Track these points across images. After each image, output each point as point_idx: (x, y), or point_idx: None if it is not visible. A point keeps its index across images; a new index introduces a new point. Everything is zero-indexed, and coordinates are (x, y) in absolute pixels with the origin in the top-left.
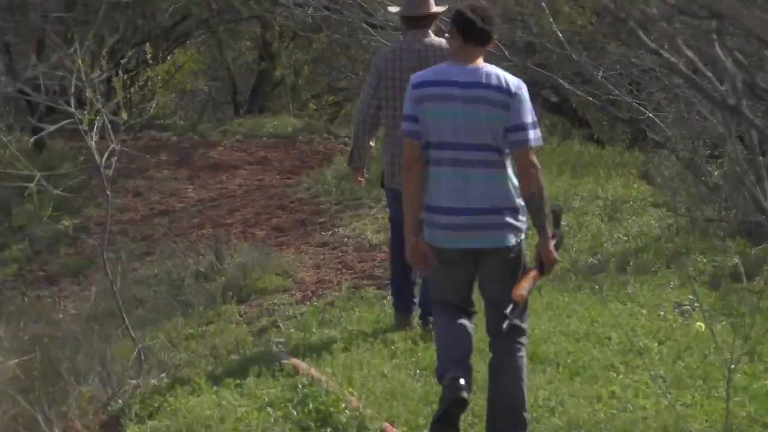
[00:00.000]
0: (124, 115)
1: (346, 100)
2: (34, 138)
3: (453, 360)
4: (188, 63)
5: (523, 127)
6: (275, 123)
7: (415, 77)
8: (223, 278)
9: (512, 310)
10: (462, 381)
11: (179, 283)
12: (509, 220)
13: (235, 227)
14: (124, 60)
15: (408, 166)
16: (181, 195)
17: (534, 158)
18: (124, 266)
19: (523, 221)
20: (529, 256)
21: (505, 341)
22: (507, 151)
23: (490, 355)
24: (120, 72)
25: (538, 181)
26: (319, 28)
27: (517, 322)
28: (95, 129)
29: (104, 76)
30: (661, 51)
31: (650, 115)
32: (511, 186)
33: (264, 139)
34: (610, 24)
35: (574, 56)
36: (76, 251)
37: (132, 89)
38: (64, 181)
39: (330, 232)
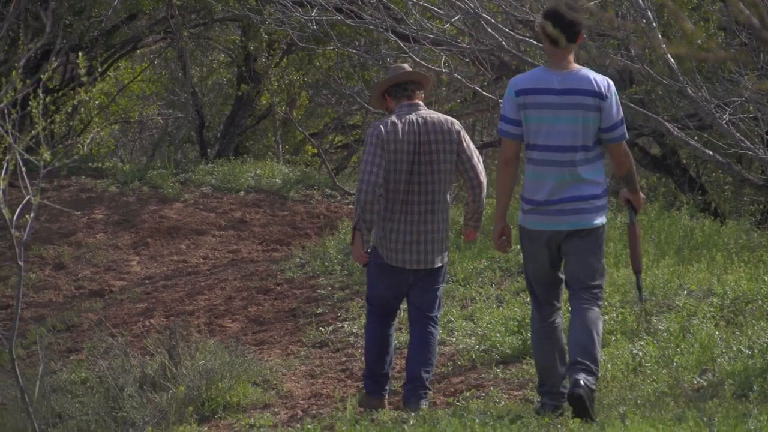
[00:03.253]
0: (46, 155)
1: (360, 142)
2: None
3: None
4: (136, 82)
5: (616, 126)
6: (258, 172)
7: (515, 83)
8: (180, 388)
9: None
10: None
11: (116, 393)
12: (593, 204)
13: (198, 317)
14: (46, 75)
15: (505, 162)
16: (121, 269)
17: (626, 147)
18: (39, 368)
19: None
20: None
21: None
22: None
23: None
24: (40, 92)
25: (631, 164)
26: (327, 39)
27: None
28: (3, 172)
29: (18, 97)
30: None
31: None
32: (603, 175)
33: (241, 194)
34: (747, 46)
35: (689, 90)
36: None
37: (56, 117)
38: None
39: (331, 328)
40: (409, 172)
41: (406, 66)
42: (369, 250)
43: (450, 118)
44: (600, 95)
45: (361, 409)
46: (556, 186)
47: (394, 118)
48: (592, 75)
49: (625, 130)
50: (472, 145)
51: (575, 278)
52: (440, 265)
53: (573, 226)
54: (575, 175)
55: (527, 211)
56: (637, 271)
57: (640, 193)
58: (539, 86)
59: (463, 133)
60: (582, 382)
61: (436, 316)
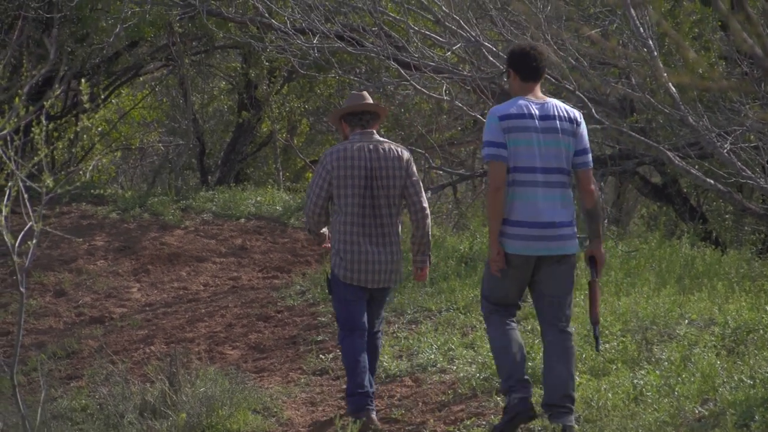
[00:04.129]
0: (48, 181)
1: None
2: None
3: (518, 378)
4: (137, 109)
5: (586, 151)
6: (258, 199)
7: (496, 110)
8: (181, 415)
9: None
10: (529, 398)
11: (117, 420)
12: (574, 230)
13: (198, 344)
14: (49, 102)
15: (497, 188)
16: (122, 296)
17: (593, 177)
18: (40, 394)
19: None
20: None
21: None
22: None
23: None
24: (43, 119)
25: (597, 196)
26: (328, 66)
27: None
28: (6, 199)
29: (21, 124)
30: None
31: None
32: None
33: (242, 221)
34: (748, 75)
35: (690, 119)
36: None
37: (59, 144)
38: None
39: (331, 356)
40: (361, 195)
41: (365, 94)
42: (329, 276)
43: (401, 147)
44: (576, 121)
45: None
46: (547, 208)
47: (347, 144)
48: (563, 105)
49: (591, 160)
50: (416, 176)
51: (553, 305)
52: (391, 285)
53: (558, 251)
54: (564, 197)
55: (513, 235)
56: (594, 323)
57: (602, 248)
58: (521, 112)
59: (411, 162)
60: (571, 425)
61: (380, 327)
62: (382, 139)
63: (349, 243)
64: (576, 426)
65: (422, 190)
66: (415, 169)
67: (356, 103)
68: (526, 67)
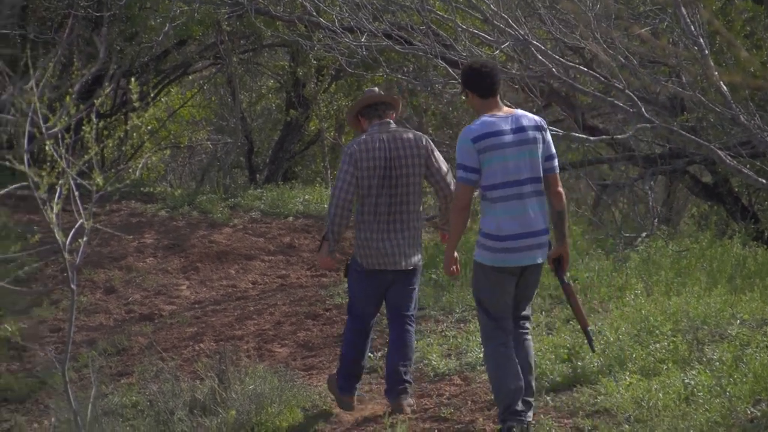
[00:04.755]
0: (99, 179)
1: None
2: None
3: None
4: (186, 107)
5: (554, 156)
6: (306, 197)
7: (469, 131)
8: (230, 412)
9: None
10: (528, 415)
11: (167, 416)
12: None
13: (247, 341)
14: (99, 101)
15: (463, 207)
16: (171, 294)
17: (560, 179)
18: (91, 391)
19: None
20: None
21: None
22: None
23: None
24: (93, 117)
25: (564, 199)
26: (375, 64)
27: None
28: (57, 197)
29: (71, 122)
30: None
31: None
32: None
33: (290, 219)
34: None
35: (742, 118)
36: (22, 367)
37: (108, 142)
38: (6, 268)
39: (379, 354)
40: (381, 186)
41: (376, 89)
42: (349, 262)
43: (420, 134)
44: (542, 128)
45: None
46: (529, 219)
47: (366, 137)
48: (523, 113)
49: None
50: (440, 158)
51: (519, 308)
52: (413, 267)
53: (541, 259)
54: (541, 205)
55: (498, 249)
56: (584, 327)
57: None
58: (493, 130)
59: (432, 146)
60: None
61: (412, 315)
62: (399, 128)
63: (369, 231)
64: (531, 421)
65: (447, 170)
66: (437, 153)
67: (370, 95)
68: (482, 85)
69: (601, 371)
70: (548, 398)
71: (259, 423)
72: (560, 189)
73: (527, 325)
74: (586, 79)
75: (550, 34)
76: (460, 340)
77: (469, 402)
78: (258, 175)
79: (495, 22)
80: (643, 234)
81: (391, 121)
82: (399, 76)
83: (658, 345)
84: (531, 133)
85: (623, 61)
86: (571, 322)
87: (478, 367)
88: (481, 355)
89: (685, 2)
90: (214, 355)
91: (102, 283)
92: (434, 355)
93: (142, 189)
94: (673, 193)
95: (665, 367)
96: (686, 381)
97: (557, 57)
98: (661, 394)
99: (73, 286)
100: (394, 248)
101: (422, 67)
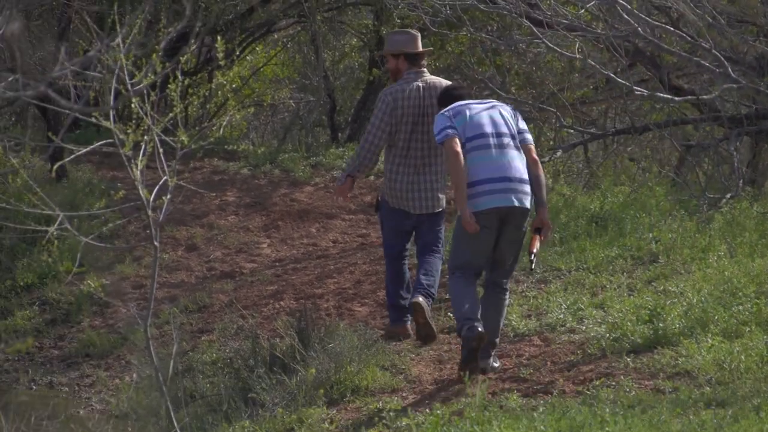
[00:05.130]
0: (183, 137)
1: None
2: (57, 165)
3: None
4: (270, 66)
5: (525, 130)
6: None
7: (446, 110)
8: (310, 370)
9: (513, 263)
10: (478, 327)
11: (247, 374)
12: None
13: (328, 300)
14: (184, 58)
15: (458, 153)
16: (252, 251)
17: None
18: (172, 347)
19: None
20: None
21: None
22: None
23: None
24: (179, 75)
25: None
26: (459, 24)
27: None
28: (142, 154)
29: (157, 79)
30: None
31: None
32: None
33: (371, 178)
34: None
35: None
36: (104, 323)
37: (193, 100)
38: (90, 224)
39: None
40: (411, 131)
41: (412, 31)
42: (379, 198)
43: (448, 82)
44: (511, 112)
45: (392, 342)
46: (506, 165)
47: (403, 84)
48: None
49: None
50: None
51: (504, 268)
52: (439, 210)
53: (523, 204)
54: (521, 157)
55: (480, 193)
56: (530, 253)
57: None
58: (458, 106)
59: None
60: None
61: (439, 248)
62: (433, 77)
63: (396, 173)
64: (496, 365)
65: None
66: None
67: (413, 44)
68: (449, 101)
69: (683, 333)
70: (628, 359)
71: (339, 381)
72: (535, 156)
73: (506, 285)
74: (672, 39)
75: None
76: (540, 301)
77: (549, 363)
78: (340, 134)
79: None
80: (728, 195)
81: (425, 70)
82: (483, 35)
83: (741, 307)
84: (498, 103)
85: (710, 20)
86: (653, 283)
87: (558, 328)
88: (561, 316)
89: None
90: (294, 314)
91: (184, 241)
92: (514, 316)
93: (225, 147)
94: (758, 154)
95: (748, 329)
96: None
97: (643, 16)
98: (743, 357)
99: (156, 243)
100: (421, 192)
101: (506, 26)
